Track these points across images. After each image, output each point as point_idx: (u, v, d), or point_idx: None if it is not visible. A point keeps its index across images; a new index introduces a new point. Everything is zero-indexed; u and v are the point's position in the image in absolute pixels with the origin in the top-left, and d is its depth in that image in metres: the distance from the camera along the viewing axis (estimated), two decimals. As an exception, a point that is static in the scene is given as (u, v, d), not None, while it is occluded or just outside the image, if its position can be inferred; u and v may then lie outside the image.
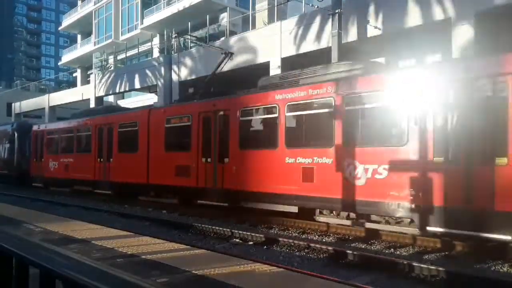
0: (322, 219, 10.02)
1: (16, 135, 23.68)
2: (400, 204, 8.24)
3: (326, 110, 9.64)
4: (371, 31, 15.18)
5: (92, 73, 37.31)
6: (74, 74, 53.20)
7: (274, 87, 11.25)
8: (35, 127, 22.07)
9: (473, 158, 7.32)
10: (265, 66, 18.66)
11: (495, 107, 7.21)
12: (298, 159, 10.14)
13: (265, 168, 10.92)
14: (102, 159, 16.75)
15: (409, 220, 8.34)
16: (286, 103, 10.47)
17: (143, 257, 5.34)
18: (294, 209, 10.65)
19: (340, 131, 9.30)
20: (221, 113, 12.21)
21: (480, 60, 8.00)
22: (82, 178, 17.87)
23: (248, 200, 11.73)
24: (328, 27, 15.42)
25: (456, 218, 7.46)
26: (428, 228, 7.85)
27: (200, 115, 12.77)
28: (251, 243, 8.79)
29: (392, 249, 8.17)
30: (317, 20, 16.75)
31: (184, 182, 13.14)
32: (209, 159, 12.52)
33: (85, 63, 44.62)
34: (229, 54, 15.43)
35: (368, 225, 9.14)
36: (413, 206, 8.03)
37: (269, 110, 10.98)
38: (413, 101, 8.14)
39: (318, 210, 10.01)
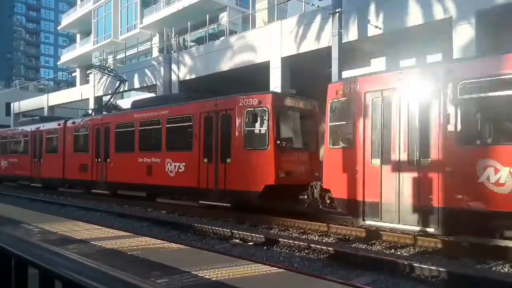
0: (160, 200, 15.07)
1: None
2: (191, 188, 12.99)
3: (158, 126, 14.37)
4: (372, 31, 15.15)
5: (91, 72, 37.23)
6: (73, 74, 53.13)
7: (134, 108, 16.58)
8: None
9: (218, 159, 12.23)
10: (265, 66, 18.63)
11: (229, 130, 12.06)
12: (144, 159, 14.76)
13: (128, 166, 15.49)
14: (36, 159, 21.26)
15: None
16: (139, 120, 15.19)
17: (143, 257, 5.30)
18: (143, 194, 15.80)
19: (164, 140, 14.10)
20: (106, 125, 16.82)
21: (223, 98, 12.71)
22: (23, 175, 22.26)
23: (121, 189, 16.48)
24: (329, 26, 15.39)
25: (217, 194, 12.22)
26: (200, 201, 12.85)
27: (94, 127, 17.41)
28: (251, 243, 8.76)
29: (392, 250, 8.15)
30: (318, 19, 16.72)
31: (85, 176, 17.61)
32: (99, 159, 16.97)
33: (84, 63, 44.52)
34: (124, 81, 20.46)
35: (173, 201, 14.50)
36: (197, 188, 12.72)
37: (130, 125, 15.57)
38: (194, 123, 13.09)
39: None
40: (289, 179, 11.20)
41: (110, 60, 35.93)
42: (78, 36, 47.44)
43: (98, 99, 30.78)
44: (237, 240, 9.04)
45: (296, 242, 8.31)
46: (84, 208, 14.47)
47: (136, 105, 16.90)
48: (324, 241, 9.04)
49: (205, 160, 12.62)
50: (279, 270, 5.06)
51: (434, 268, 6.28)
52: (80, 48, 44.76)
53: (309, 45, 17.14)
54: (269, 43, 18.70)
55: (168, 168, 13.72)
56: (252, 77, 19.53)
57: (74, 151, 18.62)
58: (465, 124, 7.56)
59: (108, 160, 16.43)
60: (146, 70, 25.57)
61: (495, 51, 11.67)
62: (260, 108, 11.41)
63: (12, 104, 42.14)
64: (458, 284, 5.91)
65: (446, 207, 7.50)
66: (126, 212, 13.60)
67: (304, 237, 9.49)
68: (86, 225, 8.26)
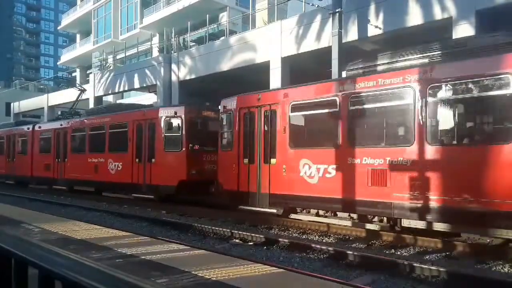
0: (105, 194, 18.14)
1: None
2: (127, 183, 15.57)
3: (103, 131, 17.01)
4: (372, 31, 15.15)
5: (91, 72, 37.25)
6: (73, 74, 53.12)
7: (87, 115, 19.51)
8: None
9: (146, 159, 14.99)
10: (265, 66, 18.63)
11: (154, 135, 14.78)
12: (93, 159, 17.46)
13: (81, 165, 18.09)
14: (9, 159, 24.00)
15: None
16: (89, 126, 18.00)
17: (143, 257, 5.31)
18: (92, 189, 18.70)
19: (107, 143, 16.74)
20: (64, 130, 19.69)
21: (150, 109, 16.08)
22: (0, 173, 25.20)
23: (76, 185, 19.44)
24: (329, 26, 15.39)
25: (145, 188, 15.11)
26: (133, 194, 16.15)
27: (55, 131, 20.34)
28: (251, 243, 8.76)
29: (392, 250, 8.15)
30: (318, 19, 16.72)
31: (48, 174, 20.47)
32: (59, 159, 19.78)
33: (84, 63, 44.54)
34: (84, 91, 22.84)
35: (115, 195, 17.66)
36: (131, 184, 15.36)
37: (83, 130, 18.48)
38: (129, 129, 15.78)
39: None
40: (199, 176, 13.84)
41: (110, 60, 35.94)
42: (78, 36, 47.44)
43: (98, 99, 30.80)
44: (237, 240, 9.04)
45: (296, 242, 8.31)
46: (84, 208, 14.46)
47: (89, 112, 20.34)
48: (324, 241, 9.04)
49: (137, 160, 15.26)
50: (279, 270, 5.07)
51: (434, 268, 6.29)
52: (80, 48, 44.78)
53: (309, 45, 17.13)
54: (269, 43, 18.70)
55: (110, 167, 16.41)
56: (252, 77, 19.53)
57: (40, 152, 21.47)
58: (293, 133, 10.35)
59: (66, 160, 19.26)
60: (146, 70, 25.57)
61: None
62: (176, 118, 14.13)
63: (12, 104, 42.12)
64: (458, 284, 5.91)
65: (285, 194, 10.39)
66: (126, 212, 13.60)
67: (304, 237, 9.49)
68: (86, 225, 8.26)
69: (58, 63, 59.05)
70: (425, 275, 6.24)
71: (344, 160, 8.99)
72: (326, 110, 9.71)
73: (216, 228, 9.88)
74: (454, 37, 13.06)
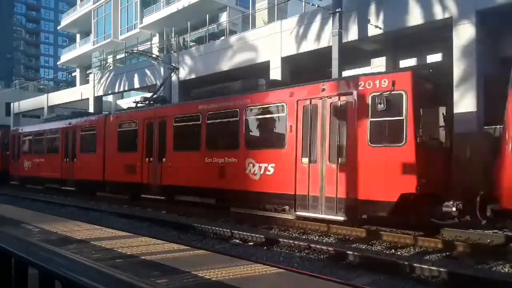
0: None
1: None
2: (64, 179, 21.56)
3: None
4: (372, 31, 15.14)
5: (91, 72, 37.20)
6: (73, 74, 53.09)
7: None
8: None
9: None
10: (265, 66, 18.62)
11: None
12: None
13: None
14: None
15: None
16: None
17: (143, 257, 5.30)
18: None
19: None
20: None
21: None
22: None
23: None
24: (329, 26, 15.39)
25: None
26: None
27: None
28: (251, 243, 8.76)
29: (392, 250, 8.15)
30: (318, 19, 16.71)
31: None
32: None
33: (84, 63, 44.51)
34: None
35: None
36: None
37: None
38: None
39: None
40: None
41: (110, 60, 35.91)
42: (78, 36, 47.41)
43: (97, 99, 30.80)
44: (237, 240, 9.03)
45: (296, 242, 8.31)
46: (84, 208, 14.47)
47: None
48: (324, 241, 9.04)
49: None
50: (279, 270, 5.07)
51: (434, 268, 6.29)
52: (80, 48, 44.74)
53: (309, 45, 17.12)
54: (269, 43, 18.69)
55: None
56: (252, 77, 19.50)
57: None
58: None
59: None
60: (146, 70, 25.55)
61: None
62: None
63: (12, 104, 42.09)
64: (458, 284, 5.91)
65: (24, 176, 22.97)
66: (126, 212, 13.60)
67: (304, 237, 9.49)
68: (86, 225, 8.25)
69: (58, 63, 59.02)
70: (425, 275, 6.24)
71: None
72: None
73: (216, 228, 9.88)
74: (454, 37, 13.08)
